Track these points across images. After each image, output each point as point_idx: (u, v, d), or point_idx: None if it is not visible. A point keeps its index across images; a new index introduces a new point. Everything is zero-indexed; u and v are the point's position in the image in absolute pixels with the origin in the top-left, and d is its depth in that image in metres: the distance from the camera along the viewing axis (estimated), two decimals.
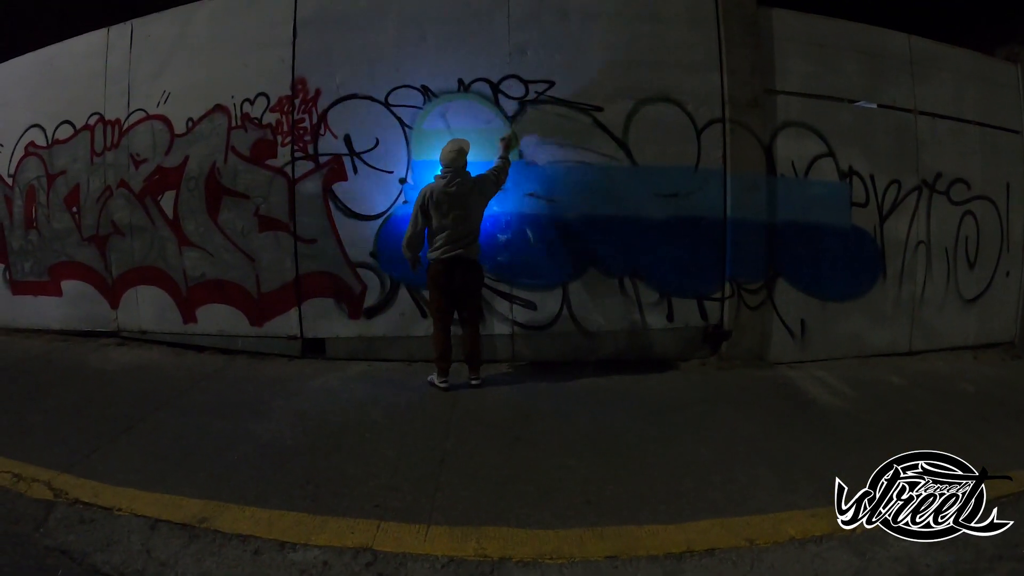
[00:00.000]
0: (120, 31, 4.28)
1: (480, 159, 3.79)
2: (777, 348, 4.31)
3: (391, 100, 3.89)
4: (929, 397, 3.71)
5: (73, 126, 4.42)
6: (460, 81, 3.87)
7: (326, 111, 3.92)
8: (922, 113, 4.75)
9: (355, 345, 4.00)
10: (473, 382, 3.50)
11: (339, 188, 3.94)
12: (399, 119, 3.88)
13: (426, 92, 3.88)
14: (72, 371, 3.86)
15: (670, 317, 4.08)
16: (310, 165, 3.95)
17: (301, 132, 3.95)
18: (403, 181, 3.89)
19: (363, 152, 3.91)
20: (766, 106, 4.22)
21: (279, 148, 3.97)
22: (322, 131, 3.93)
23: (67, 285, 4.48)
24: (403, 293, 3.94)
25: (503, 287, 3.93)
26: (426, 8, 3.91)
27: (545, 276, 3.92)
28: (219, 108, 4.07)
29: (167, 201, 4.19)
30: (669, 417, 3.16)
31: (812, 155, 4.35)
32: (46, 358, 4.15)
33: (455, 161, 3.29)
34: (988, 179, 5.03)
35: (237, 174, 4.05)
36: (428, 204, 3.30)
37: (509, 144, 3.70)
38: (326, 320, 4.01)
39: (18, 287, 4.67)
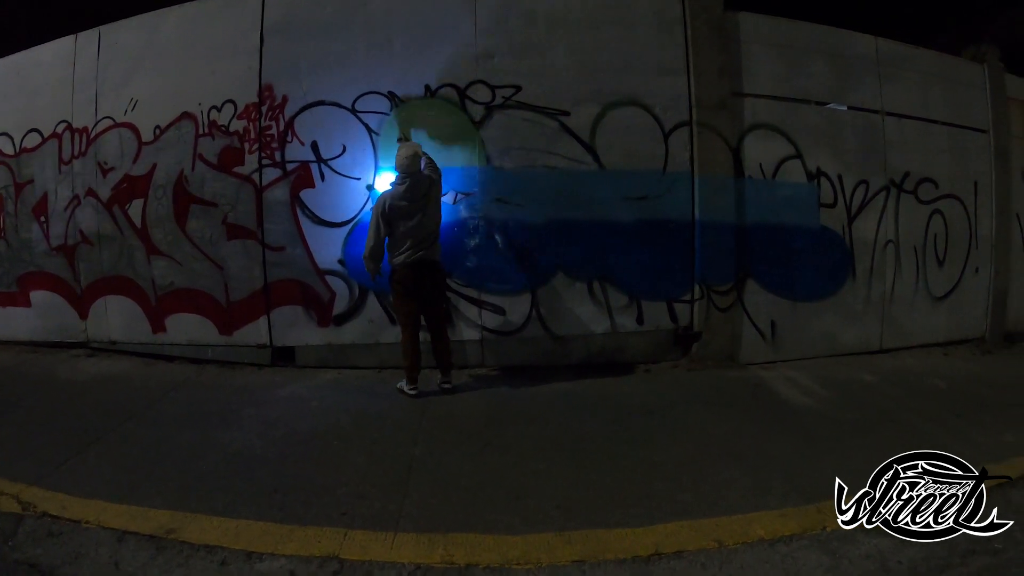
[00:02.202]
0: (88, 38, 4.25)
1: (452, 164, 3.84)
2: (748, 349, 4.35)
3: (358, 106, 3.89)
4: (902, 394, 3.75)
5: (41, 134, 4.39)
6: (427, 87, 3.88)
7: (293, 118, 3.92)
8: (889, 114, 4.81)
9: (325, 353, 3.99)
10: (444, 386, 3.50)
11: (307, 195, 3.93)
12: (366, 125, 3.89)
13: (393, 98, 3.88)
14: (41, 383, 3.82)
15: (640, 320, 4.10)
16: (277, 172, 3.94)
17: (268, 139, 3.94)
18: (370, 187, 3.89)
19: (330, 159, 3.91)
20: (734, 108, 4.26)
21: (246, 155, 3.96)
22: (289, 138, 3.92)
23: (36, 296, 4.44)
24: (372, 300, 3.94)
25: (471, 292, 3.93)
26: (393, 15, 3.91)
27: (513, 281, 3.93)
28: (186, 115, 4.05)
29: (135, 210, 4.16)
30: (640, 420, 3.18)
31: (780, 157, 4.40)
32: (15, 370, 4.11)
33: (411, 166, 3.29)
34: (956, 178, 5.10)
35: (205, 182, 4.03)
36: (388, 211, 3.28)
37: (407, 136, 3.77)
38: (295, 328, 4.00)
39: None
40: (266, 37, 3.95)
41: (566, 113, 3.93)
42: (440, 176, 3.48)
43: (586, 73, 3.97)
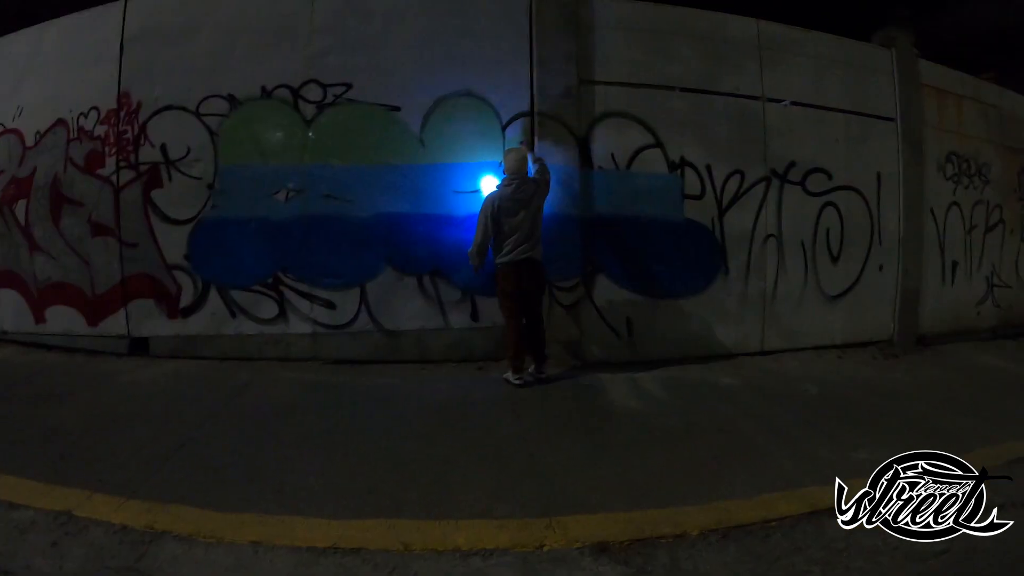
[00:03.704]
0: None
1: (285, 162, 3.96)
2: (599, 348, 4.23)
3: (201, 109, 4.07)
4: (756, 400, 3.57)
5: None
6: (263, 88, 4.02)
7: (146, 122, 4.15)
8: (772, 100, 4.57)
9: (175, 343, 4.21)
10: (540, 375, 3.71)
11: (156, 195, 4.16)
12: (207, 127, 4.07)
13: (232, 100, 4.05)
14: None
15: (475, 316, 4.09)
16: (132, 174, 4.19)
17: (124, 143, 4.19)
18: (211, 187, 4.07)
19: (176, 160, 4.11)
20: (582, 97, 4.15)
21: (107, 158, 4.23)
22: (142, 141, 4.16)
23: None
24: (213, 294, 4.12)
25: (303, 287, 4.04)
26: (237, 19, 4.08)
27: (343, 276, 4.00)
28: (60, 122, 4.37)
29: (20, 209, 4.52)
30: (433, 418, 3.13)
31: (636, 146, 4.26)
32: None
33: (520, 169, 3.52)
34: (854, 169, 4.79)
35: (74, 183, 4.33)
36: (497, 211, 3.46)
37: (531, 146, 3.96)
38: (149, 320, 4.23)
39: None
40: (125, 46, 4.20)
41: (397, 108, 3.97)
42: (548, 180, 3.67)
43: (420, 67, 4.00)
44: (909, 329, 4.93)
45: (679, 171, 4.31)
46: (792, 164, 4.58)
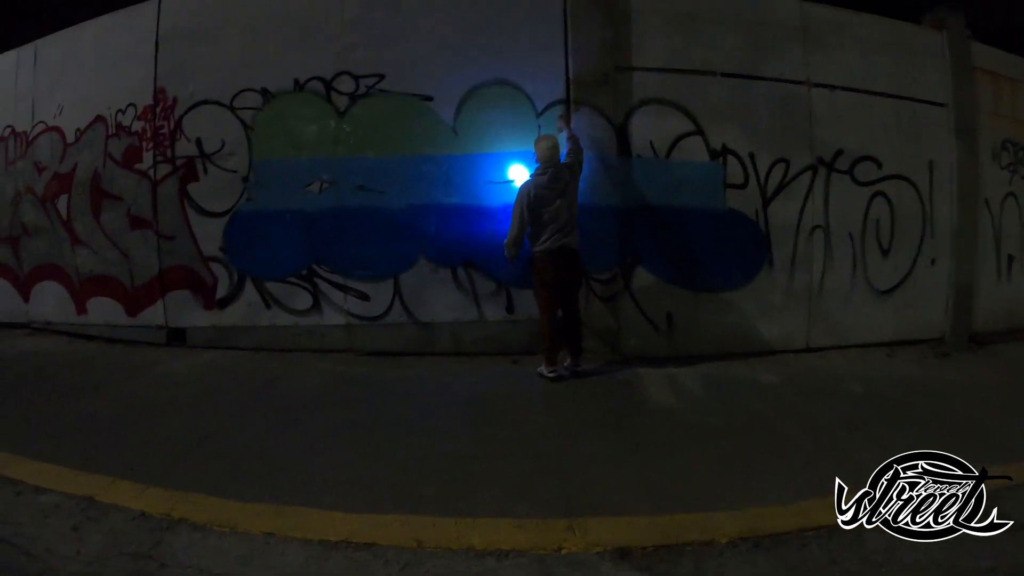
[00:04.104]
0: (26, 52, 4.80)
1: (318, 154, 3.95)
2: (638, 342, 4.10)
3: (235, 103, 4.10)
4: (798, 399, 3.40)
5: None
6: (296, 81, 4.02)
7: (181, 117, 4.20)
8: (818, 85, 4.34)
9: (211, 334, 4.25)
10: (576, 368, 3.62)
11: (192, 188, 4.20)
12: (241, 121, 4.09)
13: (265, 94, 4.06)
14: None
15: (510, 308, 4.01)
16: (168, 168, 4.24)
17: (161, 138, 4.25)
18: (245, 179, 4.09)
19: (211, 154, 4.15)
20: (619, 84, 4.01)
21: (144, 153, 4.30)
22: (178, 136, 4.21)
23: None
24: (248, 285, 4.15)
25: (337, 278, 4.03)
26: (267, 16, 4.10)
27: (377, 267, 3.98)
28: (99, 119, 4.46)
29: (62, 204, 4.64)
30: (461, 411, 3.09)
31: (676, 133, 4.08)
32: None
33: (552, 156, 3.43)
34: (904, 157, 4.54)
35: (113, 178, 4.42)
36: (533, 200, 3.38)
37: (567, 120, 3.80)
38: (186, 311, 4.29)
39: None
40: (160, 44, 4.26)
41: (429, 98, 3.92)
42: (581, 161, 3.57)
43: (452, 57, 3.93)
44: (962, 327, 4.66)
45: (721, 159, 4.13)
46: (840, 152, 4.34)
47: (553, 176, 3.39)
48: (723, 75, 4.17)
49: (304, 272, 4.06)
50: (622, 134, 4.02)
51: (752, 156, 4.18)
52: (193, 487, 2.23)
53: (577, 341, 3.63)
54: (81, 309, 4.64)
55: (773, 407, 3.21)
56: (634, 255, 4.04)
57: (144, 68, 4.28)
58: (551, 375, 3.49)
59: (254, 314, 4.15)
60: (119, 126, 4.38)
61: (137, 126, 4.31)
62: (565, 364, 3.61)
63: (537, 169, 3.47)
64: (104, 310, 4.55)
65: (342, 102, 3.97)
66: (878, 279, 4.54)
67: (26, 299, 4.91)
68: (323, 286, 4.04)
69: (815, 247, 4.35)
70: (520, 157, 3.89)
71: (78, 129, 4.54)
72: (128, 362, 4.10)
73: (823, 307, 4.42)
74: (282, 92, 4.04)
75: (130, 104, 4.33)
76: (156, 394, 3.40)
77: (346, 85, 3.96)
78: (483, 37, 3.95)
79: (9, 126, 4.88)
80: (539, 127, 3.92)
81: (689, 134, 4.10)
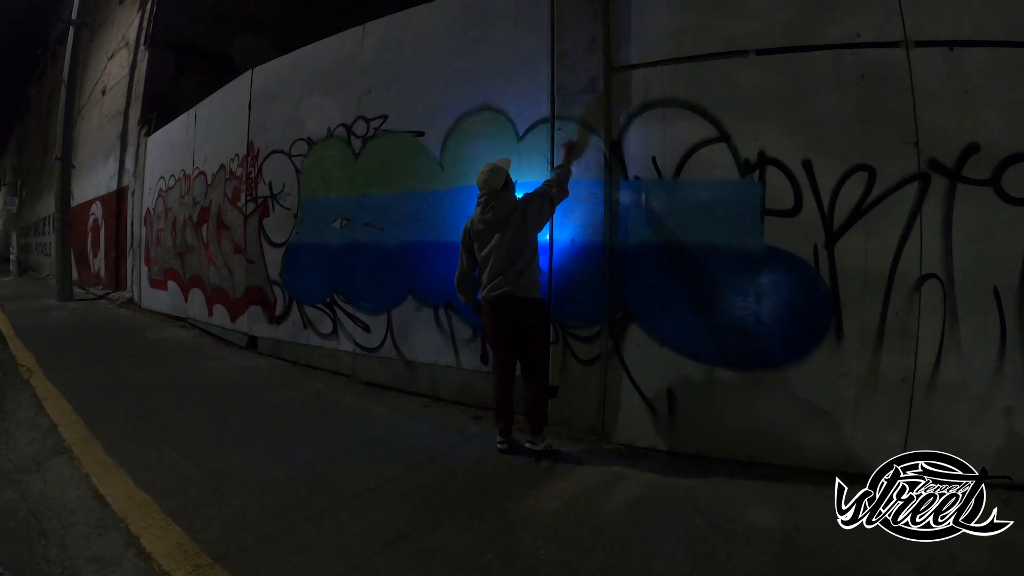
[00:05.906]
0: (190, 113, 6.42)
1: (340, 193, 4.39)
2: (629, 425, 3.13)
3: (292, 151, 4.83)
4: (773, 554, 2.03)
5: (175, 177, 6.81)
6: (328, 129, 4.53)
7: (261, 164, 5.13)
8: (925, 44, 2.65)
9: (271, 344, 5.13)
10: (527, 446, 2.98)
11: (266, 223, 5.11)
12: (295, 166, 4.80)
13: (309, 142, 4.68)
14: (133, 336, 6.12)
15: (484, 359, 3.62)
16: (253, 205, 5.24)
17: (250, 181, 5.26)
18: (296, 216, 4.80)
19: (277, 194, 4.97)
20: (612, 88, 3.25)
21: (241, 193, 5.38)
22: (259, 179, 5.15)
23: (169, 284, 6.96)
24: (295, 307, 4.87)
25: (350, 308, 4.43)
26: (313, 74, 4.70)
27: (375, 301, 4.23)
28: (222, 167, 5.73)
29: (203, 231, 6.11)
30: (365, 466, 2.76)
31: (689, 143, 2.99)
32: (134, 327, 6.61)
33: (487, 183, 2.93)
34: None
35: (226, 212, 5.64)
36: (471, 236, 3.02)
37: (572, 150, 3.22)
38: (258, 322, 5.26)
39: (152, 283, 7.45)
40: (252, 104, 5.25)
41: (421, 133, 3.92)
42: (546, 193, 2.99)
43: (442, 88, 3.83)
44: None
45: (756, 173, 2.87)
46: (972, 149, 2.58)
47: (485, 207, 2.89)
48: (759, 52, 2.91)
49: (328, 300, 4.58)
50: (616, 150, 3.18)
51: (808, 165, 2.80)
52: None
53: (534, 411, 2.96)
54: (210, 312, 6.07)
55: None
56: (626, 309, 3.14)
57: (242, 125, 5.35)
58: (500, 446, 2.99)
59: (297, 332, 4.87)
60: (231, 172, 5.57)
61: (239, 171, 5.42)
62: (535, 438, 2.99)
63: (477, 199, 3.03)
64: (220, 315, 5.87)
65: (357, 144, 4.32)
66: None
67: (185, 299, 6.63)
68: (340, 314, 4.50)
69: (925, 309, 2.64)
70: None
71: (213, 173, 5.91)
72: (208, 354, 5.23)
73: (933, 410, 2.62)
74: (320, 139, 4.61)
75: (236, 154, 5.46)
76: (189, 380, 4.34)
77: (360, 128, 4.30)
78: (469, 61, 3.72)
79: (183, 169, 6.62)
80: (521, 154, 3.49)
81: (708, 142, 2.96)
